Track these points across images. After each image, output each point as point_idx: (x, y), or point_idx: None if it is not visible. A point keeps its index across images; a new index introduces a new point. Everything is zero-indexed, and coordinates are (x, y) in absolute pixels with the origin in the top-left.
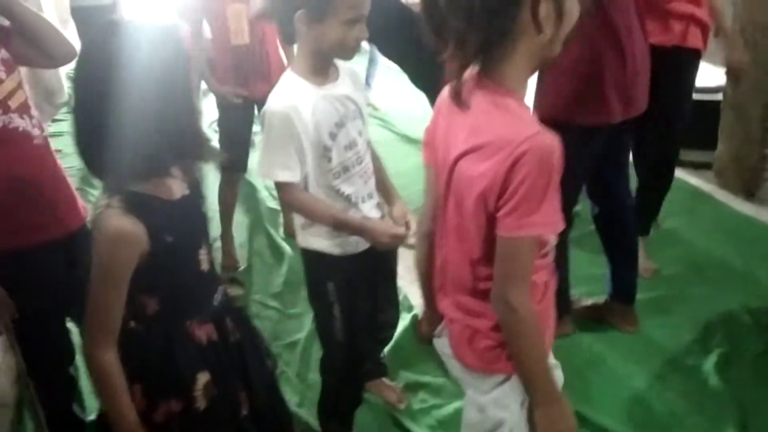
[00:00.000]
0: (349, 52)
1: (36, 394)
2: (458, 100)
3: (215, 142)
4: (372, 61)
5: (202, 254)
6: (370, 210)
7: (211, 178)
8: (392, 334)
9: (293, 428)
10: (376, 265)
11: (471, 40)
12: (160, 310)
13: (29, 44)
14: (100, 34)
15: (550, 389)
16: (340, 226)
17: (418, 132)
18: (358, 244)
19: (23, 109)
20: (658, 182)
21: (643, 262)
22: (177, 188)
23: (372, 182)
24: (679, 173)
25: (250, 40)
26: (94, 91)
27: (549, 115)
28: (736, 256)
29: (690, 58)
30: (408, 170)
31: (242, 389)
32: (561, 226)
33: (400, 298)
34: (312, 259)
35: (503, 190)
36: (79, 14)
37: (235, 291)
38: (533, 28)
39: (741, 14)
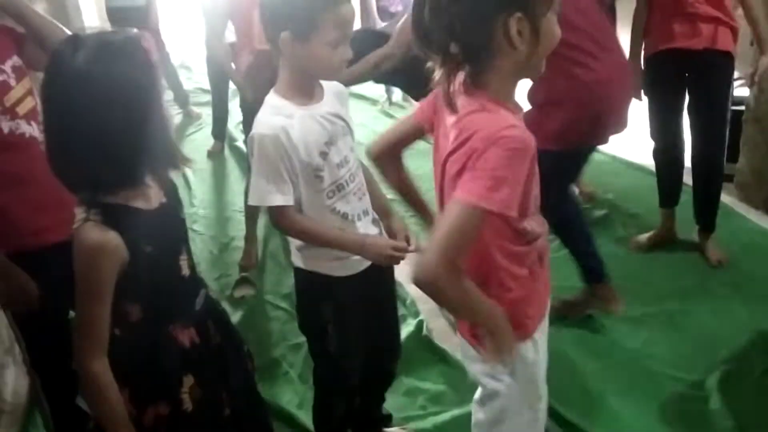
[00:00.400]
0: (334, 72)
1: (41, 386)
2: (448, 102)
3: (240, 143)
4: None
5: (183, 260)
6: (367, 227)
7: (232, 180)
8: (393, 369)
9: (272, 429)
10: (376, 284)
11: (453, 52)
12: (143, 317)
13: (42, 49)
14: (63, 50)
15: (485, 315)
16: (340, 246)
17: None
18: (358, 264)
19: (31, 116)
20: (707, 184)
21: (713, 252)
22: (154, 197)
23: (366, 198)
24: None
25: None
26: (61, 107)
27: None
28: (751, 270)
29: (721, 60)
30: (430, 174)
31: (223, 390)
32: (512, 214)
33: (407, 302)
34: (307, 279)
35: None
36: (114, 15)
37: (246, 291)
38: (507, 45)
39: None
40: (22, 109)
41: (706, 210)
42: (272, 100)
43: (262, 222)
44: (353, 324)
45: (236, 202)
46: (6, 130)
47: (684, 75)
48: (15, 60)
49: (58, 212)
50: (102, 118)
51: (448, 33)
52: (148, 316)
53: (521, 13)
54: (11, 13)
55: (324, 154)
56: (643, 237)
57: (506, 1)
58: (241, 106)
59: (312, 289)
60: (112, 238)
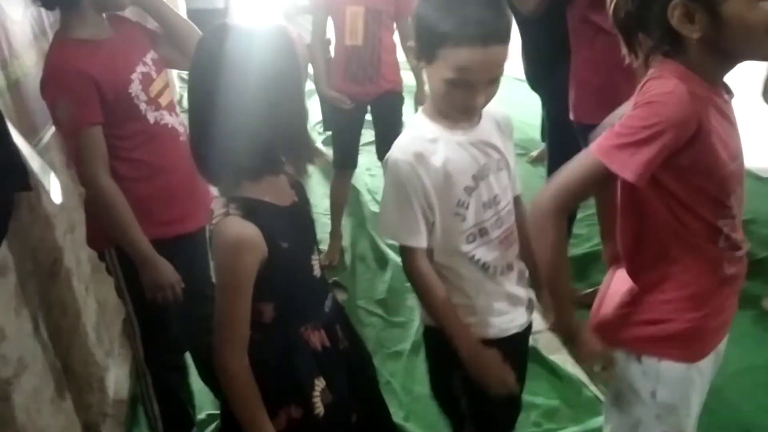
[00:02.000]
0: (456, 112)
1: (152, 384)
2: None
3: (319, 144)
4: None
5: (315, 260)
6: (511, 285)
7: (314, 182)
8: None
9: None
10: (514, 351)
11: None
12: (276, 318)
13: (173, 47)
14: (211, 39)
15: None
16: (450, 331)
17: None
18: (506, 325)
19: (171, 107)
20: None
21: None
22: (287, 195)
23: (515, 249)
24: None
25: (364, 43)
26: (208, 96)
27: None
28: None
29: None
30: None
31: (350, 396)
32: (633, 174)
33: None
34: (436, 341)
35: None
36: (194, 17)
37: (339, 295)
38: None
39: None
40: (164, 100)
41: None
42: (418, 120)
43: (348, 225)
44: (495, 402)
45: (319, 204)
46: (152, 121)
47: None
48: (153, 54)
49: (186, 204)
50: (247, 104)
51: (626, 35)
52: (281, 317)
53: None
54: (148, 9)
55: (470, 189)
56: None
57: None
58: (328, 105)
59: (439, 354)
60: (254, 231)
